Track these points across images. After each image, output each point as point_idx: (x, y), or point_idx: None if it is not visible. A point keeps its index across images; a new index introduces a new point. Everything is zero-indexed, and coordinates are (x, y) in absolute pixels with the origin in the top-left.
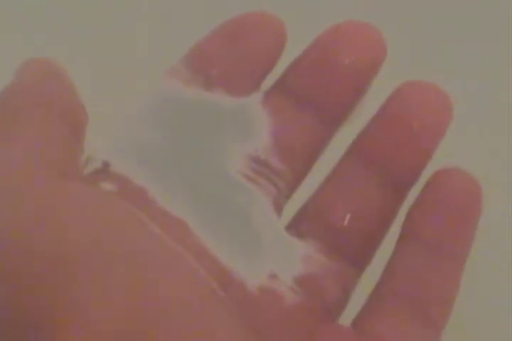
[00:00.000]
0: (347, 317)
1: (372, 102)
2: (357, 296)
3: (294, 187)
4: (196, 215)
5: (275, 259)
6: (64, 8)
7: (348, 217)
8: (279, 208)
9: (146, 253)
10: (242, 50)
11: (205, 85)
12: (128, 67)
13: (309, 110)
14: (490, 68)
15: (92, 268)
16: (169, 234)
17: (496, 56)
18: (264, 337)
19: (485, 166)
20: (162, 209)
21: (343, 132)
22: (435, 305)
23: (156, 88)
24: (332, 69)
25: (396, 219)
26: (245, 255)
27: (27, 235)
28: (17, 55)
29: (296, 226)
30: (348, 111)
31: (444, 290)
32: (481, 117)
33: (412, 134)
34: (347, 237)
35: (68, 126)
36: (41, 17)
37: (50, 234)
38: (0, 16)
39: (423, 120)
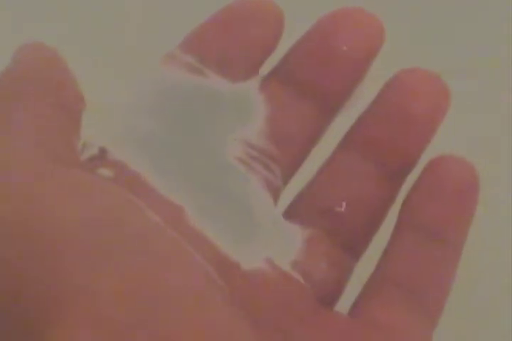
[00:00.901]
0: (344, 306)
1: (370, 89)
2: (354, 284)
3: (291, 173)
4: (193, 201)
5: (272, 244)
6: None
7: (344, 203)
8: (275, 194)
9: (143, 240)
10: (239, 35)
11: (202, 71)
12: (124, 53)
13: (307, 97)
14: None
15: (86, 254)
16: (166, 220)
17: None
18: (260, 322)
19: (482, 157)
20: (159, 196)
21: (340, 119)
22: (431, 293)
23: (153, 74)
24: (330, 55)
25: (393, 206)
26: (242, 240)
27: (21, 223)
28: (6, 40)
29: (293, 213)
30: (346, 98)
31: (441, 278)
32: (479, 107)
33: (409, 121)
34: (343, 223)
35: (65, 111)
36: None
37: (43, 222)
38: None
39: (419, 107)
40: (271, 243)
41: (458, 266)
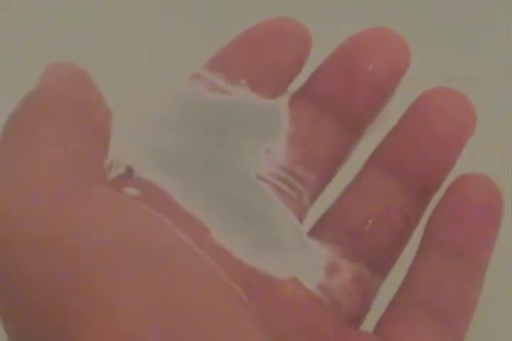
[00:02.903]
0: (369, 324)
1: (397, 109)
2: (379, 303)
3: (317, 193)
4: (219, 219)
5: (298, 264)
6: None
7: (369, 223)
8: (301, 214)
9: (169, 258)
10: (266, 55)
11: (229, 89)
12: (151, 71)
13: (334, 116)
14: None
15: (116, 270)
16: (192, 237)
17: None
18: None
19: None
20: (185, 213)
21: (367, 139)
22: (457, 313)
23: (180, 91)
24: (356, 75)
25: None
26: (268, 260)
27: (52, 240)
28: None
29: (319, 233)
30: (372, 118)
31: (465, 298)
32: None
33: (434, 142)
34: (369, 243)
35: (94, 129)
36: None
37: (74, 239)
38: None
39: (445, 127)
40: (297, 262)
41: (482, 286)
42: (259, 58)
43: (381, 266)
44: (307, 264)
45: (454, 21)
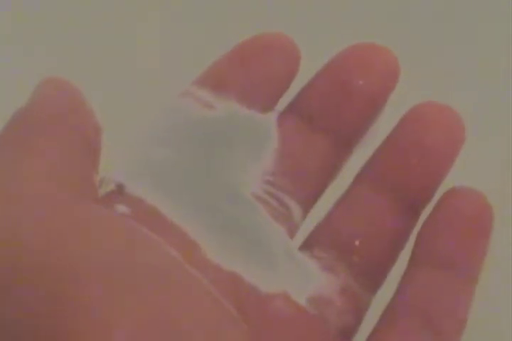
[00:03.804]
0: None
1: (387, 124)
2: (370, 315)
3: (308, 209)
4: (210, 235)
5: (289, 279)
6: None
7: (359, 238)
8: (292, 229)
9: (160, 275)
10: (255, 71)
11: (218, 105)
12: (140, 87)
13: (323, 132)
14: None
15: (107, 288)
16: (183, 253)
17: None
18: None
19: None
20: (176, 229)
21: (357, 154)
22: (449, 323)
23: (169, 108)
24: (346, 90)
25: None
26: (259, 274)
27: (42, 254)
28: (19, 68)
29: (309, 248)
30: (362, 133)
31: (457, 308)
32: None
33: (424, 155)
34: (360, 257)
35: (84, 146)
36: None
37: (68, 255)
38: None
39: (435, 140)
40: (287, 277)
41: (473, 297)
42: (249, 74)
43: (372, 280)
44: (297, 278)
45: (445, 34)
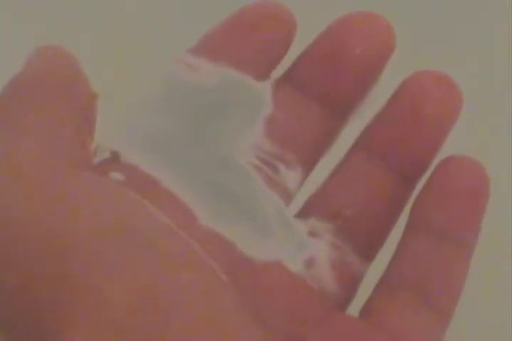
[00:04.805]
0: (355, 308)
1: (383, 94)
2: (365, 286)
3: (303, 177)
4: (205, 203)
5: (283, 247)
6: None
7: (354, 207)
8: (288, 197)
9: (154, 244)
10: (251, 39)
11: (212, 72)
12: (136, 55)
13: (317, 100)
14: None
15: (103, 258)
16: (178, 221)
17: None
18: (269, 324)
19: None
20: (171, 197)
21: (353, 124)
22: (443, 294)
23: (164, 75)
24: (341, 59)
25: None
26: (253, 243)
27: (38, 225)
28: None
29: (304, 217)
30: (359, 101)
31: (452, 279)
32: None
33: (420, 123)
34: (355, 226)
35: (79, 113)
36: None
37: (59, 224)
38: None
39: (431, 109)
40: (282, 245)
41: (469, 267)
42: (244, 42)
43: (367, 250)
44: (292, 247)
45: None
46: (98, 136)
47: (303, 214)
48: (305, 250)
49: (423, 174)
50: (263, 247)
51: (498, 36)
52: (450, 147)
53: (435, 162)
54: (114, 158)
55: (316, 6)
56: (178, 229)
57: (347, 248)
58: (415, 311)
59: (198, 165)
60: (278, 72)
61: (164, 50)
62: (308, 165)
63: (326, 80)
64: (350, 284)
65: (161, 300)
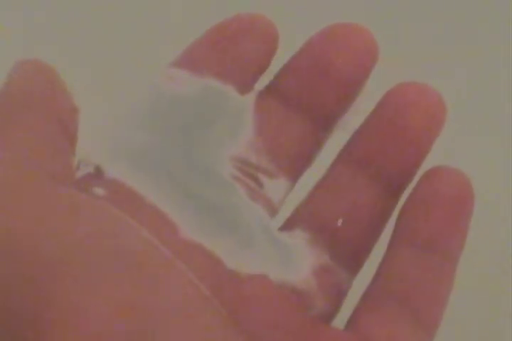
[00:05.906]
0: (341, 320)
1: (367, 105)
2: (350, 298)
3: (288, 190)
4: (189, 217)
5: (267, 260)
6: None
7: (341, 218)
8: (271, 211)
9: (135, 260)
10: (233, 52)
11: (195, 84)
12: (118, 67)
13: (302, 112)
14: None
15: (83, 271)
16: (160, 235)
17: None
18: (253, 337)
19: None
20: (155, 212)
21: (337, 135)
22: (428, 305)
23: (146, 88)
24: (324, 71)
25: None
26: (237, 256)
27: (14, 241)
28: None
29: (289, 229)
30: (341, 114)
31: (438, 290)
32: (475, 117)
33: (404, 134)
34: (341, 238)
35: (60, 128)
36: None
37: (36, 241)
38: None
39: (415, 120)
40: (266, 258)
41: (454, 278)
42: (226, 54)
43: (353, 262)
44: (276, 259)
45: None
46: (81, 150)
47: (288, 225)
48: (289, 262)
49: (408, 185)
50: (246, 260)
51: (486, 46)
52: (441, 153)
53: (420, 172)
54: (98, 173)
55: (298, 18)
56: (159, 244)
57: (332, 260)
58: (401, 323)
59: (181, 178)
60: (262, 83)
61: (147, 62)
62: (293, 177)
63: (309, 92)
64: (335, 296)
65: (138, 313)
